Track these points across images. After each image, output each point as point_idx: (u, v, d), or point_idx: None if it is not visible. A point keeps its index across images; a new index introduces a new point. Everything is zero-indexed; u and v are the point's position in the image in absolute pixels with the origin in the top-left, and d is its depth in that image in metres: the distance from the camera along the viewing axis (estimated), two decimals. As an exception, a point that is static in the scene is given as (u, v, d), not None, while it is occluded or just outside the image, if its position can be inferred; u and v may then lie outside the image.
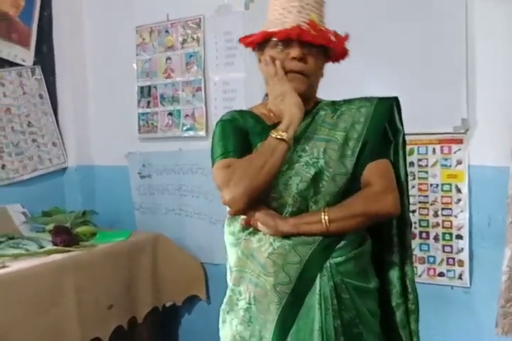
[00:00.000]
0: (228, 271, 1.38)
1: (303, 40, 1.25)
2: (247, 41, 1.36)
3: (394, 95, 1.37)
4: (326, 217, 1.23)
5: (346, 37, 1.34)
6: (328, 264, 1.25)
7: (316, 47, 1.28)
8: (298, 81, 1.29)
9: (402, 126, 1.37)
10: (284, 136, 1.22)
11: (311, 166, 1.27)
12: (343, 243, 1.26)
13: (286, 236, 1.24)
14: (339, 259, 1.26)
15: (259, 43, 1.34)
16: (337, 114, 1.34)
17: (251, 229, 1.28)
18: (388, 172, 1.31)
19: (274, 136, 1.23)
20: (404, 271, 1.37)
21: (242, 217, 1.27)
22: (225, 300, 1.35)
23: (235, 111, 1.42)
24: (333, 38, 1.31)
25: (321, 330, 1.21)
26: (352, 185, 1.28)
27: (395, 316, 1.36)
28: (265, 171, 1.21)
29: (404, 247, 1.38)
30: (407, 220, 1.38)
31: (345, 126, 1.31)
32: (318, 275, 1.24)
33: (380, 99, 1.35)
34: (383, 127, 1.33)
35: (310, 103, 1.36)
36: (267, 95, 1.40)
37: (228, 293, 1.34)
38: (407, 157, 2.15)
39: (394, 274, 1.36)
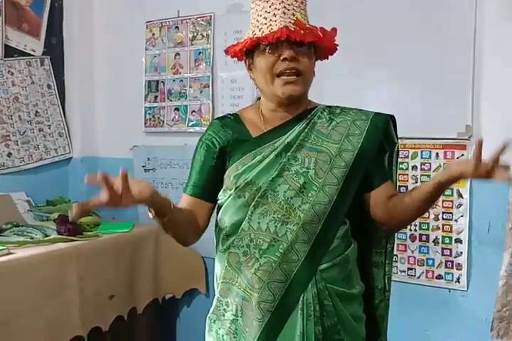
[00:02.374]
0: (215, 279, 1.38)
1: (293, 39, 1.23)
2: (235, 50, 1.33)
3: (392, 112, 1.38)
4: None
5: (334, 31, 1.32)
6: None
7: (305, 46, 1.26)
8: (293, 83, 1.26)
9: (397, 138, 1.40)
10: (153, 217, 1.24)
11: (301, 175, 1.27)
12: (328, 250, 1.27)
13: (271, 251, 1.25)
14: (324, 266, 1.27)
15: (247, 51, 1.31)
16: (332, 124, 1.33)
17: (234, 241, 1.28)
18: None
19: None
20: (385, 270, 1.41)
21: None
22: (211, 309, 1.36)
23: (223, 119, 1.39)
24: (321, 34, 1.29)
25: (301, 336, 1.22)
26: (343, 197, 1.28)
27: (376, 311, 1.40)
28: (168, 233, 1.29)
29: (387, 249, 1.41)
30: None
31: (339, 139, 1.30)
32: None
33: (376, 113, 1.36)
34: (379, 141, 1.34)
35: (302, 104, 1.35)
36: (259, 98, 1.40)
37: (215, 303, 1.34)
38: (411, 161, 2.21)
39: (379, 273, 1.40)
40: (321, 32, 1.29)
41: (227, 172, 1.32)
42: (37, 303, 2.02)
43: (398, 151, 1.41)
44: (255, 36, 1.27)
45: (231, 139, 1.33)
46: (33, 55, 2.90)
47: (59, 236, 2.27)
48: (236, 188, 1.27)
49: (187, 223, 1.31)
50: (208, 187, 1.34)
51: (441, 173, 1.21)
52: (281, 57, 1.25)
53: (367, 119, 1.33)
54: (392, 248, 1.44)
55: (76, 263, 2.17)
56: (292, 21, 1.25)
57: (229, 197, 1.29)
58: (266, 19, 1.26)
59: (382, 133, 1.34)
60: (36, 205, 2.72)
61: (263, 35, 1.25)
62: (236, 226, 1.29)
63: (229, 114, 1.43)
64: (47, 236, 2.27)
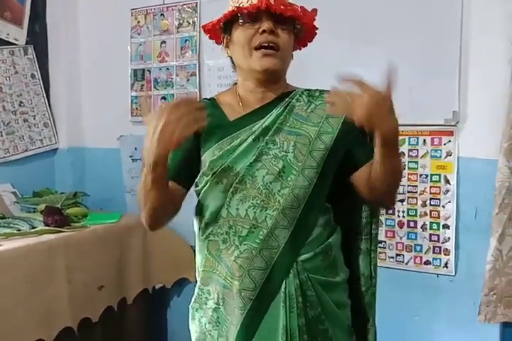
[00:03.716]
0: (197, 269, 1.36)
1: (273, 11, 1.20)
2: (213, 24, 1.29)
3: None
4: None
5: (314, 11, 1.29)
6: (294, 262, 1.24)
7: (285, 24, 1.24)
8: (271, 57, 1.23)
9: None
10: (143, 178, 1.16)
11: (280, 159, 1.24)
12: (309, 239, 1.26)
13: (251, 238, 1.22)
14: (306, 256, 1.25)
15: (225, 26, 1.27)
16: (311, 107, 1.30)
17: (213, 229, 1.26)
18: None
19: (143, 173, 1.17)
20: (371, 256, 1.39)
21: None
22: (193, 298, 1.34)
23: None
24: (301, 13, 1.26)
25: (284, 329, 1.21)
26: (323, 180, 1.26)
27: (363, 299, 1.38)
28: (146, 209, 1.21)
29: (372, 235, 1.40)
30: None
31: (318, 121, 1.28)
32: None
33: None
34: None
35: (280, 86, 1.32)
36: (235, 84, 1.36)
37: (197, 291, 1.33)
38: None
39: (364, 260, 1.39)
40: (301, 11, 1.27)
41: (203, 157, 1.28)
42: (25, 295, 2.01)
43: None
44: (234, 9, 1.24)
45: (208, 123, 1.27)
46: (16, 44, 2.85)
47: (46, 227, 2.26)
48: (213, 174, 1.25)
49: (169, 201, 1.24)
50: (182, 172, 1.29)
51: None
52: (260, 29, 1.22)
53: None
54: (377, 234, 1.41)
55: (64, 255, 2.16)
56: None
57: (206, 184, 1.26)
58: None
59: None
60: (22, 197, 2.69)
61: (243, 5, 1.22)
62: (215, 214, 1.26)
63: (205, 98, 1.40)
64: (34, 227, 2.26)
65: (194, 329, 1.35)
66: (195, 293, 1.34)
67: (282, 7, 1.21)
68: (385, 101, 1.12)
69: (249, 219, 1.23)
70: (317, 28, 1.33)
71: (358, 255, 1.39)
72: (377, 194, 1.29)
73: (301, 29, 1.30)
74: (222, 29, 1.30)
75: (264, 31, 1.21)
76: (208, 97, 1.39)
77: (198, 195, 1.31)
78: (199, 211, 1.32)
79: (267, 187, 1.23)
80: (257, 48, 1.23)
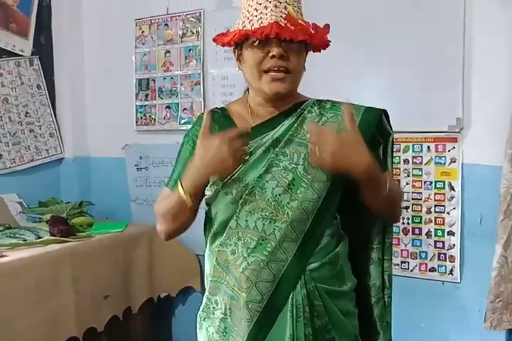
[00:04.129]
0: (205, 277, 1.36)
1: (282, 38, 1.19)
2: (223, 41, 1.29)
3: (382, 106, 1.35)
4: (389, 179, 1.22)
5: (326, 28, 1.28)
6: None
7: (296, 43, 1.22)
8: (280, 80, 1.22)
9: (392, 129, 1.36)
10: (184, 197, 1.21)
11: (290, 171, 1.23)
12: (317, 249, 1.25)
13: (259, 250, 1.23)
14: (313, 265, 1.24)
15: (236, 42, 1.27)
16: (322, 120, 1.30)
17: (222, 240, 1.27)
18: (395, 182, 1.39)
19: (180, 191, 1.21)
20: (383, 266, 1.38)
21: None
22: (201, 307, 1.34)
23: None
24: (312, 31, 1.24)
25: (291, 338, 1.21)
26: (332, 193, 1.25)
27: (373, 311, 1.36)
28: (177, 224, 1.28)
29: (385, 244, 1.38)
30: None
31: None
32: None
33: (367, 108, 1.32)
34: (370, 135, 1.29)
35: (291, 100, 1.32)
36: (247, 90, 1.36)
37: (205, 300, 1.33)
38: (402, 154, 2.21)
39: (376, 270, 1.37)
40: (313, 28, 1.25)
41: None
42: (31, 305, 2.01)
43: (393, 143, 1.38)
44: (244, 29, 1.23)
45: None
46: (21, 56, 2.89)
47: (52, 237, 2.26)
48: (223, 185, 1.24)
49: (192, 212, 1.28)
50: None
51: None
52: (270, 54, 1.21)
53: (358, 114, 1.29)
54: (391, 243, 1.40)
55: (70, 265, 2.17)
56: (284, 16, 1.20)
57: (216, 194, 1.26)
58: (257, 11, 1.22)
59: (374, 127, 1.31)
60: (28, 207, 2.71)
61: (253, 28, 1.21)
62: (224, 225, 1.26)
63: (217, 107, 1.39)
64: (40, 237, 2.26)
65: (202, 338, 1.35)
66: (203, 303, 1.34)
67: (293, 28, 1.20)
68: (349, 144, 1.16)
69: (258, 231, 1.23)
70: (330, 41, 1.31)
71: (368, 265, 1.38)
72: (378, 214, 1.32)
73: (312, 45, 1.29)
74: (234, 44, 1.29)
75: (273, 56, 1.21)
76: (219, 107, 1.39)
77: (208, 204, 1.32)
78: (208, 220, 1.33)
79: (276, 199, 1.22)
80: (266, 71, 1.23)
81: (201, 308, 1.34)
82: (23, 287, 1.99)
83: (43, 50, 2.98)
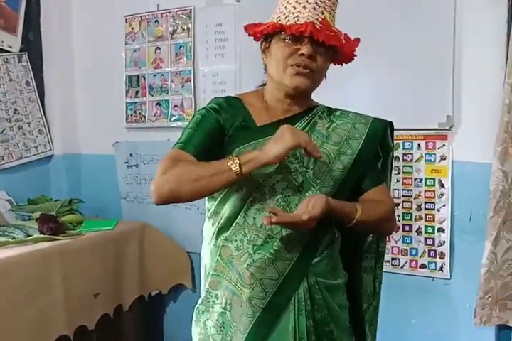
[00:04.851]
0: (202, 270, 1.37)
1: (315, 38, 1.21)
2: (255, 30, 1.29)
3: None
4: (359, 212, 1.24)
5: (357, 41, 1.31)
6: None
7: (325, 47, 1.25)
8: (304, 76, 1.25)
9: (393, 144, 1.41)
10: (236, 170, 1.15)
11: (300, 174, 1.26)
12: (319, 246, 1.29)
13: (265, 248, 1.24)
14: (314, 260, 1.28)
15: (267, 34, 1.28)
16: (332, 126, 1.33)
17: (228, 235, 1.27)
18: (390, 197, 1.41)
19: (229, 161, 1.16)
20: (375, 273, 1.42)
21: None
22: (200, 300, 1.35)
23: (227, 98, 1.34)
24: (344, 41, 1.28)
25: (294, 330, 1.24)
26: (338, 198, 1.27)
27: (364, 317, 1.41)
28: (196, 186, 1.17)
29: (379, 253, 1.43)
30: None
31: (339, 141, 1.30)
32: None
33: (375, 118, 1.36)
34: (376, 146, 1.35)
35: (306, 102, 1.34)
36: (264, 84, 1.37)
37: (204, 294, 1.34)
38: (393, 152, 2.22)
39: (368, 278, 1.42)
40: (344, 39, 1.28)
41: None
42: (21, 304, 1.99)
43: (393, 158, 1.43)
44: (279, 22, 1.25)
45: (235, 122, 1.28)
46: (10, 52, 2.85)
47: (41, 235, 2.24)
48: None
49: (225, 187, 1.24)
50: (206, 153, 1.25)
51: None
52: (299, 52, 1.23)
53: (366, 124, 1.34)
54: (384, 252, 1.44)
55: (59, 263, 2.15)
56: (320, 19, 1.23)
57: (226, 189, 1.26)
58: (295, 9, 1.24)
59: (380, 138, 1.35)
60: (17, 204, 2.68)
61: (288, 24, 1.23)
62: (231, 220, 1.27)
63: (230, 96, 1.38)
64: (29, 235, 2.24)
65: (197, 331, 1.36)
66: (203, 296, 1.35)
67: (326, 33, 1.22)
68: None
69: (265, 230, 1.24)
70: (356, 56, 1.33)
71: (361, 273, 1.42)
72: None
73: (339, 54, 1.31)
74: (263, 36, 1.30)
75: (302, 54, 1.23)
76: (232, 95, 1.38)
77: (214, 198, 1.31)
78: (214, 215, 1.32)
79: (285, 199, 1.25)
80: (292, 65, 1.25)
81: (200, 301, 1.36)
82: (13, 285, 1.97)
83: (32, 46, 2.95)
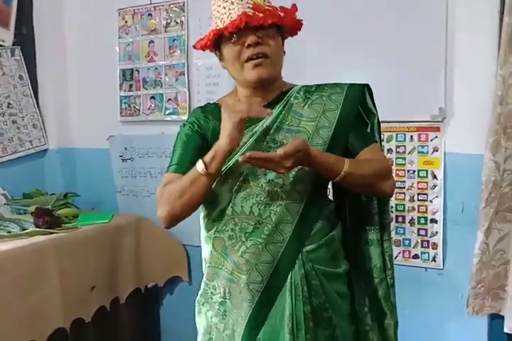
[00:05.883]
0: (204, 262, 1.40)
1: (252, 25, 1.24)
2: (201, 44, 1.35)
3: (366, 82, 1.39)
4: (347, 165, 1.23)
5: (294, 7, 1.33)
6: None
7: (269, 29, 1.27)
8: (261, 65, 1.27)
9: (376, 109, 1.41)
10: (203, 171, 1.21)
11: None
12: (313, 231, 1.30)
13: (256, 233, 1.26)
14: (311, 247, 1.30)
15: (215, 43, 1.33)
16: (308, 103, 1.34)
17: (219, 227, 1.30)
18: (384, 155, 1.40)
19: (197, 166, 1.22)
20: (383, 247, 1.42)
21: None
22: (200, 292, 1.39)
23: (204, 107, 1.42)
24: (281, 14, 1.29)
25: (291, 316, 1.26)
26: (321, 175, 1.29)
27: (377, 291, 1.41)
28: (183, 201, 1.24)
29: (383, 225, 1.43)
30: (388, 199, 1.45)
31: (315, 116, 1.32)
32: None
33: (351, 84, 1.37)
34: (356, 111, 1.35)
35: (277, 87, 1.36)
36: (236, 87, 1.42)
37: (203, 286, 1.37)
38: (386, 144, 2.23)
39: (375, 251, 1.41)
40: (281, 11, 1.30)
41: None
42: (17, 297, 2.00)
43: (379, 122, 1.42)
44: (217, 28, 1.28)
45: (211, 126, 1.35)
46: (2, 46, 2.84)
47: (37, 229, 2.25)
48: (220, 175, 1.28)
49: (207, 192, 1.27)
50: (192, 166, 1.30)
51: None
52: (246, 44, 1.26)
53: (342, 92, 1.35)
54: (389, 223, 1.44)
55: (56, 256, 2.16)
56: (250, 6, 1.26)
57: (213, 184, 1.29)
58: (225, 9, 1.28)
59: (358, 104, 1.36)
60: (13, 198, 2.68)
61: (224, 25, 1.26)
62: (220, 212, 1.31)
63: (209, 103, 1.45)
64: (24, 229, 2.25)
65: (201, 322, 1.39)
66: (202, 288, 1.38)
67: (261, 15, 1.25)
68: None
69: (254, 216, 1.28)
70: (301, 20, 1.35)
71: (368, 246, 1.42)
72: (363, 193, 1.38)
73: (286, 27, 1.33)
74: (213, 45, 1.34)
75: (249, 45, 1.26)
76: (211, 102, 1.44)
77: None
78: (205, 209, 1.36)
79: (269, 184, 1.28)
80: (246, 61, 1.28)
81: (199, 293, 1.39)
82: (9, 279, 1.98)
83: (25, 40, 2.94)
